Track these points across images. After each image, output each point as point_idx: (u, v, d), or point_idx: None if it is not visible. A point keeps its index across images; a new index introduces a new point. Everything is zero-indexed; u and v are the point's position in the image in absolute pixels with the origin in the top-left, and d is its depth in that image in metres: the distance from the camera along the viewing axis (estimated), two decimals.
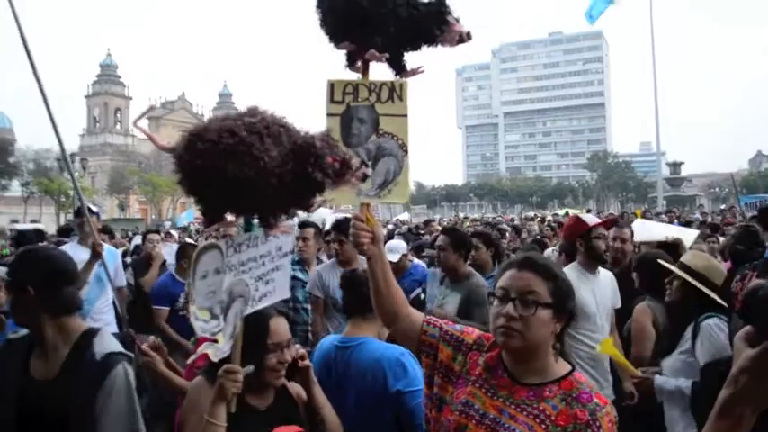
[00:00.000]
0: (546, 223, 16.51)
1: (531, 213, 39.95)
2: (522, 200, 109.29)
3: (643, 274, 4.62)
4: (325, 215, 10.32)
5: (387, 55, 2.25)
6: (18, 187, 65.50)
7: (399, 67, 2.32)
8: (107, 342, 2.47)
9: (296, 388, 2.63)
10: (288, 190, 2.04)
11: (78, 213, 6.35)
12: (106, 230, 9.49)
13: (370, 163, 2.26)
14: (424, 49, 2.30)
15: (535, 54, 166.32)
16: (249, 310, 2.26)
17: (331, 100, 2.29)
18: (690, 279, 3.73)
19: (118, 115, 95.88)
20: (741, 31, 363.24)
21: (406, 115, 2.33)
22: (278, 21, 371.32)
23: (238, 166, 1.95)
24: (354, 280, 3.07)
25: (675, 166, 52.31)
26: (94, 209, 6.56)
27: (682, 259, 3.95)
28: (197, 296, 2.17)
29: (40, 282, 2.42)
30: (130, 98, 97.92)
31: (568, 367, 2.04)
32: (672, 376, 3.68)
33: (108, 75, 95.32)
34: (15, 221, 46.30)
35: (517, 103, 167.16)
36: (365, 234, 2.18)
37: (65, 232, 10.07)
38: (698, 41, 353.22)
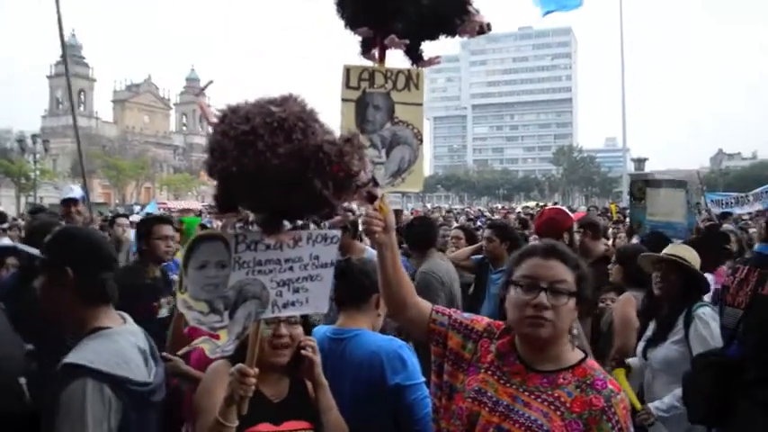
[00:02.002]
0: (516, 216, 16.65)
1: (498, 205, 40.31)
2: (489, 192, 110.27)
3: (626, 266, 4.67)
4: None
5: (407, 41, 2.23)
6: None
7: (416, 56, 2.31)
8: (85, 350, 2.15)
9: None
10: (286, 193, 1.85)
11: (66, 201, 6.33)
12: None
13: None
14: (442, 38, 2.29)
15: (504, 48, 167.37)
16: (269, 315, 2.15)
17: (346, 85, 2.26)
18: (691, 265, 3.82)
19: (82, 97, 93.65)
20: (709, 29, 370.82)
21: (421, 104, 2.32)
22: (246, 4, 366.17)
23: (241, 157, 1.81)
24: (348, 269, 2.95)
25: (640, 161, 53.12)
26: (78, 193, 6.47)
27: (666, 252, 4.02)
28: (191, 285, 2.04)
29: (79, 263, 2.22)
30: (94, 80, 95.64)
31: (581, 354, 2.04)
32: (663, 367, 3.76)
33: (72, 55, 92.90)
34: None
35: (485, 95, 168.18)
36: (378, 222, 2.15)
37: (36, 213, 9.81)
38: (665, 39, 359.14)
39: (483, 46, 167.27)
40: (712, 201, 12.60)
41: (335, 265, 2.43)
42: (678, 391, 3.52)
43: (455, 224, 12.40)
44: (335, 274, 2.84)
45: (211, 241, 2.07)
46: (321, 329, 3.02)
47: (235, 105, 1.92)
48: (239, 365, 2.14)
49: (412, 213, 18.17)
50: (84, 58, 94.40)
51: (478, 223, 13.80)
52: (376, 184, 1.99)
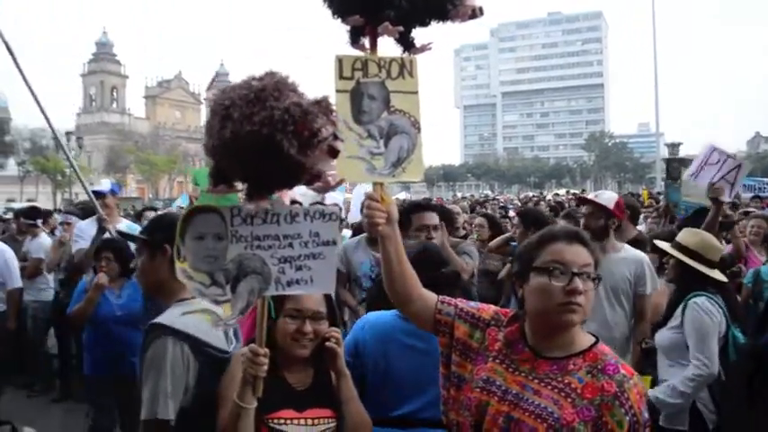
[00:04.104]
0: (546, 204, 16.52)
1: (530, 193, 39.99)
2: (520, 180, 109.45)
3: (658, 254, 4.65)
4: (338, 199, 10.27)
5: (401, 28, 2.17)
6: (14, 166, 65.24)
7: (408, 44, 2.25)
8: (169, 314, 2.51)
9: None
10: (262, 160, 1.89)
11: (98, 193, 6.56)
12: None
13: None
14: (433, 24, 2.23)
15: (534, 34, 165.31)
16: (273, 293, 2.16)
17: (340, 76, 2.20)
18: (681, 257, 3.83)
19: (114, 94, 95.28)
20: (744, 11, 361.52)
21: (416, 92, 2.26)
22: (248, 3, 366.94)
23: (222, 130, 1.89)
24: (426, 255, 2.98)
25: (674, 146, 52.10)
26: (106, 187, 6.74)
27: (677, 238, 4.02)
28: (189, 255, 2.08)
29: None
30: (126, 77, 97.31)
31: (592, 339, 2.00)
32: (662, 352, 3.88)
33: (104, 53, 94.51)
34: (12, 200, 46.22)
35: (515, 83, 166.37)
36: (380, 214, 2.12)
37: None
38: (699, 18, 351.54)
39: (512, 32, 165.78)
40: (744, 185, 12.29)
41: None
42: (672, 382, 3.65)
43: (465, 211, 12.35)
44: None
45: (206, 213, 2.11)
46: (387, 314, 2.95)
47: (226, 87, 1.99)
48: (250, 345, 2.19)
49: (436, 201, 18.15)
50: (115, 55, 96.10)
51: (510, 212, 13.62)
52: (338, 138, 1.96)
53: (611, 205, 4.54)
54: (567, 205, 13.19)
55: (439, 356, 2.20)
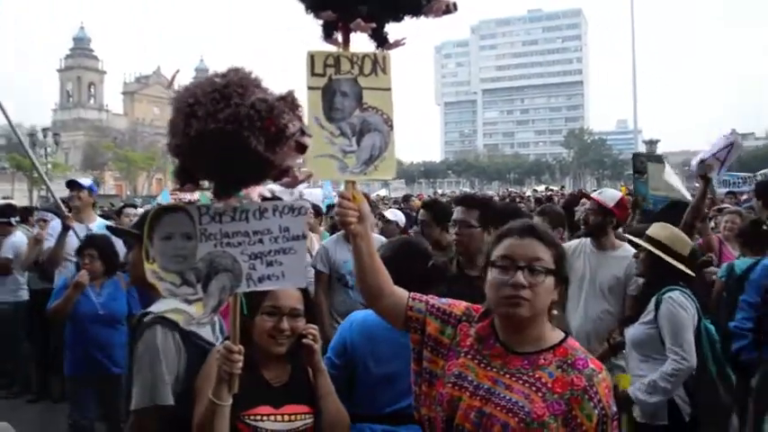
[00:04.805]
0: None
1: (510, 190, 40.18)
2: (500, 177, 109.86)
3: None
4: (318, 197, 10.29)
5: (373, 25, 2.15)
6: None
7: (381, 39, 2.23)
8: (158, 305, 2.57)
9: None
10: (229, 157, 1.90)
11: (71, 186, 6.49)
12: None
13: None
14: (406, 20, 2.21)
15: (514, 31, 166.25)
16: (245, 289, 2.16)
17: (312, 73, 2.17)
18: (655, 250, 3.84)
19: (92, 90, 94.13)
20: (723, 10, 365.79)
21: (389, 89, 2.24)
22: (248, 3, 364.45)
23: (186, 128, 1.87)
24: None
25: (652, 143, 52.74)
26: (86, 182, 6.63)
27: (647, 231, 4.04)
28: (158, 256, 2.07)
29: None
30: (104, 72, 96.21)
31: (562, 334, 2.02)
32: (634, 347, 3.87)
33: (81, 48, 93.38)
34: None
35: (496, 80, 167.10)
36: (352, 213, 2.11)
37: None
38: (677, 17, 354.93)
39: (493, 30, 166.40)
40: (719, 180, 12.44)
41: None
42: (651, 379, 3.66)
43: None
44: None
45: (174, 213, 2.11)
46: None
47: (187, 84, 1.98)
48: (224, 343, 2.19)
49: (418, 198, 18.21)
50: (93, 51, 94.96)
51: None
52: (305, 134, 1.97)
53: (611, 204, 4.59)
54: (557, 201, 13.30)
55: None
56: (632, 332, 3.89)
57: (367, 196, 6.17)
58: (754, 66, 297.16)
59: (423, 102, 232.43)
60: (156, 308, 2.56)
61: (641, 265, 4.00)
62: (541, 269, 1.93)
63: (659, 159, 7.15)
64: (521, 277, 1.91)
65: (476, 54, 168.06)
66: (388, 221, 7.02)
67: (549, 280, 1.94)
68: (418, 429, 2.61)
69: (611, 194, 4.80)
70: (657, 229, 4.00)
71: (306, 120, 2.04)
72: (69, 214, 5.98)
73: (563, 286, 2.02)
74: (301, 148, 1.97)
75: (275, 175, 2.04)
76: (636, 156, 7.71)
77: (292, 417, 2.41)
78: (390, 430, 2.76)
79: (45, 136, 44.26)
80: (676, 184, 6.84)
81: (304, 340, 2.47)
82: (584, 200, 6.43)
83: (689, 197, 6.63)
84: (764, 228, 5.39)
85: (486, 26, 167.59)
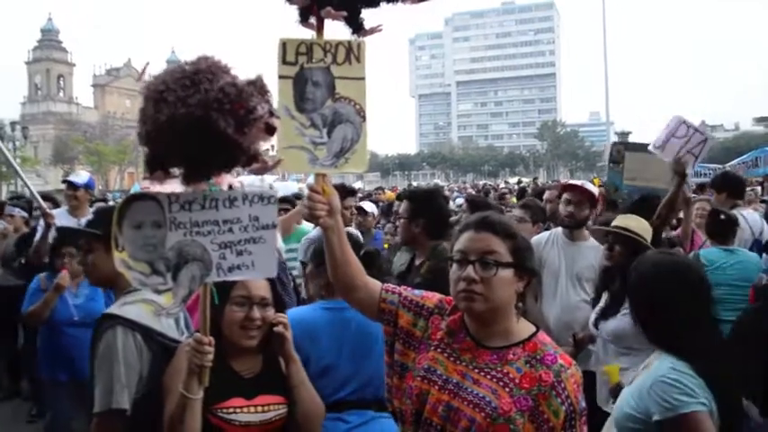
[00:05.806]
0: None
1: (482, 182, 40.40)
2: (474, 169, 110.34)
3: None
4: (291, 188, 10.16)
5: (344, 13, 2.09)
6: None
7: (356, 26, 2.16)
8: (119, 304, 2.55)
9: None
10: (198, 141, 1.88)
11: (69, 185, 6.39)
12: (49, 199, 9.22)
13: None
14: (383, 5, 2.15)
15: (487, 23, 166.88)
16: (215, 279, 2.11)
17: (283, 61, 2.11)
18: (639, 238, 3.81)
19: (61, 82, 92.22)
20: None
21: (363, 78, 2.17)
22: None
23: (156, 115, 1.87)
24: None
25: (623, 135, 53.28)
26: (83, 180, 6.50)
27: (615, 223, 4.00)
28: (128, 245, 2.03)
29: None
30: (74, 65, 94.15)
31: (532, 328, 2.01)
32: (613, 338, 3.80)
33: (49, 40, 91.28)
34: None
35: (470, 72, 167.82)
36: (321, 206, 2.08)
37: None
38: (647, 11, 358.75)
39: (466, 22, 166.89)
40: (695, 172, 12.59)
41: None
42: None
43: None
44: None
45: (143, 201, 2.07)
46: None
47: (158, 73, 1.98)
48: (194, 335, 2.16)
49: (392, 190, 18.20)
50: (61, 42, 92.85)
51: (458, 200, 13.67)
52: (273, 115, 1.95)
53: (597, 195, 4.59)
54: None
55: (373, 333, 2.21)
56: (613, 324, 3.82)
57: (345, 186, 6.11)
58: (727, 59, 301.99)
59: (397, 94, 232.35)
60: (117, 308, 2.52)
61: (618, 256, 3.91)
62: (492, 262, 1.90)
63: (642, 148, 7.03)
64: (471, 271, 1.91)
65: (450, 46, 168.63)
66: (365, 213, 6.95)
67: (506, 273, 1.93)
68: (364, 413, 2.65)
69: (591, 186, 4.77)
70: (626, 221, 3.97)
71: (275, 107, 2.01)
72: (50, 211, 5.87)
73: (530, 278, 2.00)
74: (270, 130, 1.96)
75: (245, 162, 2.01)
76: (614, 144, 7.61)
77: (265, 408, 2.40)
78: (337, 416, 2.79)
79: (13, 129, 43.30)
80: (662, 172, 6.71)
81: (275, 329, 2.46)
82: (550, 191, 6.38)
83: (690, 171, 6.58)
84: (722, 218, 5.45)
85: (459, 18, 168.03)
